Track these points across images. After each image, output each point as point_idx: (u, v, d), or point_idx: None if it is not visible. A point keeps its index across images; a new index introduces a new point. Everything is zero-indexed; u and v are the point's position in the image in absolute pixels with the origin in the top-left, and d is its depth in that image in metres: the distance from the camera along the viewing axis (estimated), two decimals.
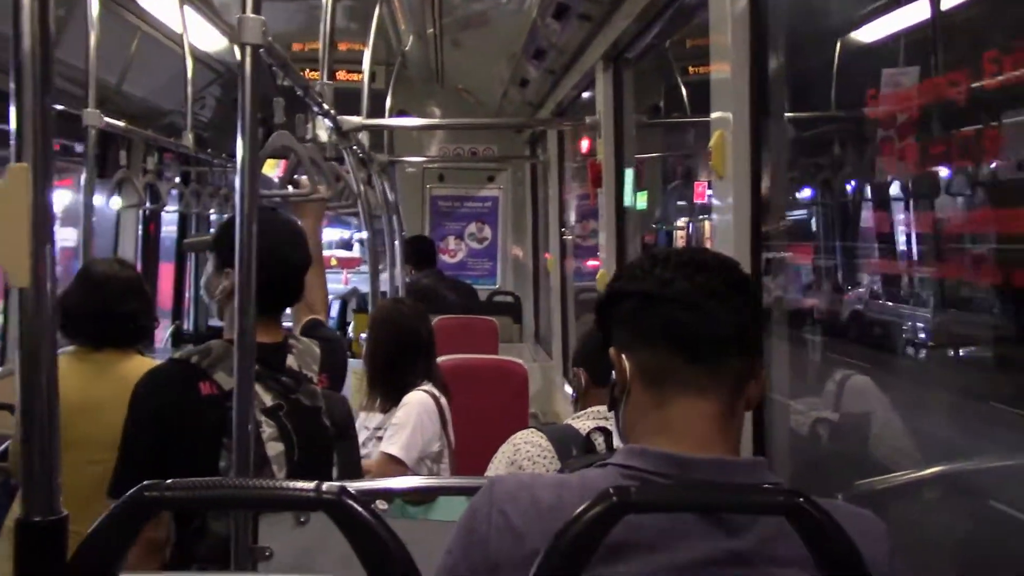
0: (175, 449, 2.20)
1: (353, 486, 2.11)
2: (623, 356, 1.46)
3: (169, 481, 1.22)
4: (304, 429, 2.33)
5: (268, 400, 2.28)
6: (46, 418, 1.23)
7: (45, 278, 1.21)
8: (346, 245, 25.39)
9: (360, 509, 1.23)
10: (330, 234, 23.35)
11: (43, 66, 1.25)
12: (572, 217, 6.67)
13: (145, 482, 1.21)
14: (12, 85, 1.22)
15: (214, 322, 7.91)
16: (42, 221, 1.21)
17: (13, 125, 1.22)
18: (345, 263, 22.61)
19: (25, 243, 1.20)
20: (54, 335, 1.24)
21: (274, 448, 2.26)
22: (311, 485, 1.24)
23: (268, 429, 2.26)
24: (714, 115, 2.50)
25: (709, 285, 1.42)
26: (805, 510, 1.24)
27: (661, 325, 1.41)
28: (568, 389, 5.84)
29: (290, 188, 3.49)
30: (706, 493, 1.33)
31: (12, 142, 1.21)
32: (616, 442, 2.25)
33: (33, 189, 1.21)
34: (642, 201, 5.55)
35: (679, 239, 13.86)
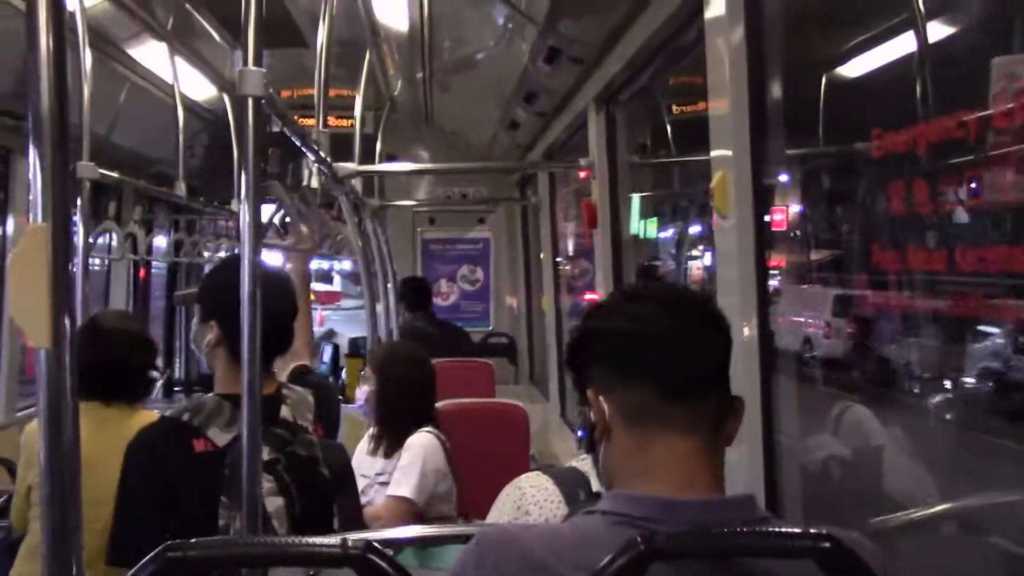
0: (172, 510, 2.16)
1: (362, 536, 2.10)
2: (600, 398, 1.44)
3: (193, 540, 1.20)
4: (303, 481, 2.29)
5: (265, 454, 2.21)
6: (68, 479, 1.22)
7: (66, 339, 1.20)
8: (325, 277, 24.44)
9: (386, 563, 1.22)
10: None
11: (60, 125, 1.25)
12: (566, 256, 6.69)
13: (169, 542, 1.20)
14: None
15: (206, 370, 7.88)
16: (62, 281, 1.20)
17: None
18: (324, 298, 21.40)
19: (45, 304, 1.19)
20: (76, 395, 1.23)
21: (273, 503, 2.22)
22: (336, 540, 1.23)
23: (267, 484, 2.21)
24: (714, 153, 2.50)
25: (686, 320, 1.41)
26: (832, 553, 1.24)
27: (640, 363, 1.40)
28: (567, 429, 5.83)
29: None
30: (732, 538, 1.32)
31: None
32: (595, 484, 2.23)
33: (52, 249, 1.20)
34: (652, 228, 5.42)
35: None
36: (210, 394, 2.35)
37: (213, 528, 2.14)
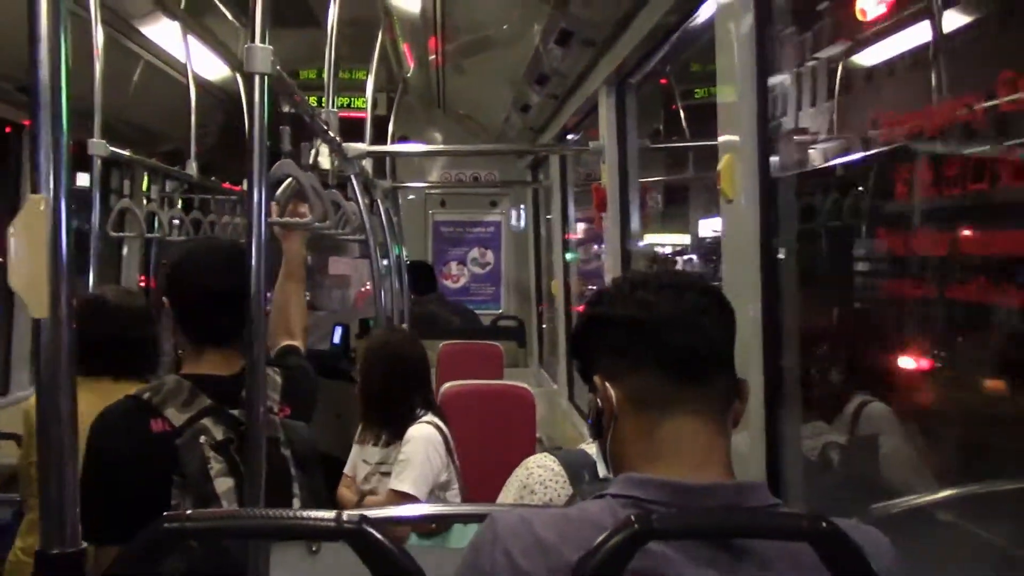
0: (128, 489, 2.13)
1: (367, 515, 2.10)
2: (607, 384, 1.45)
3: (189, 512, 1.21)
4: None
5: (218, 435, 2.19)
6: (64, 448, 1.23)
7: (63, 308, 1.21)
8: None
9: (381, 538, 1.22)
10: None
11: (58, 97, 1.25)
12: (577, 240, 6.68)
13: (165, 513, 1.21)
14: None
15: None
16: (60, 251, 1.21)
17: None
18: None
19: (44, 274, 1.19)
20: (73, 365, 1.23)
21: (223, 484, 2.17)
22: (331, 514, 1.23)
23: (216, 465, 2.17)
24: (722, 138, 2.49)
25: (692, 306, 1.42)
26: (828, 536, 1.24)
27: (650, 349, 1.41)
28: (574, 413, 5.83)
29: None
30: (728, 519, 1.32)
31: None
32: (601, 470, 2.23)
33: (51, 219, 1.21)
34: None
35: None
36: (172, 375, 2.31)
37: (166, 508, 2.10)
